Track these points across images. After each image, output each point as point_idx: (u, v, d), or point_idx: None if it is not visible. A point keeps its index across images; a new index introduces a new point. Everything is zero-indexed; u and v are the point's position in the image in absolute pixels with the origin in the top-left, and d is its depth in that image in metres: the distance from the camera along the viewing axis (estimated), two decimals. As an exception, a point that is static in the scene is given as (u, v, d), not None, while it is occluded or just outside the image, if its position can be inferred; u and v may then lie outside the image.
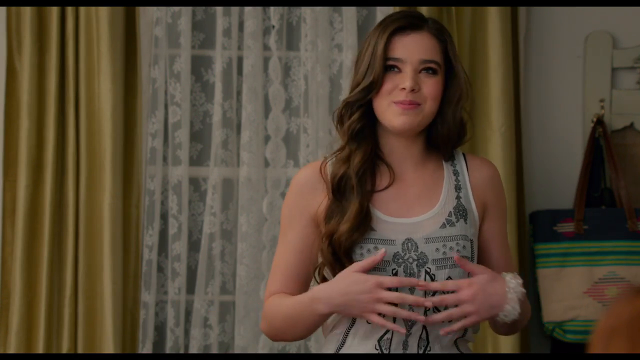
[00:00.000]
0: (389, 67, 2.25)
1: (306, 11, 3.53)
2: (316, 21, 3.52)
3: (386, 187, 2.29)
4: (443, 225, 2.28)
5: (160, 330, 3.55)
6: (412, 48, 2.25)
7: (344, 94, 3.45)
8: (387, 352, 2.26)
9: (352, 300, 2.17)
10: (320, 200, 2.28)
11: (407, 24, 2.26)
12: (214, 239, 3.50)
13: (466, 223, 2.30)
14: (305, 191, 2.31)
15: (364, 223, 2.24)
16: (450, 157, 2.36)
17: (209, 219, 3.50)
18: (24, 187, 3.45)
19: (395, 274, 2.24)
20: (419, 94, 2.24)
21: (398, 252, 2.25)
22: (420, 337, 2.26)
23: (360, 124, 2.28)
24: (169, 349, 3.49)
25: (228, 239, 3.54)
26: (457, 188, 2.33)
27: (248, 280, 3.49)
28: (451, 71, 2.30)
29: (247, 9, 3.51)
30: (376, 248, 2.24)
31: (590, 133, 3.61)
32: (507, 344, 3.47)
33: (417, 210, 2.29)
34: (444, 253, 2.26)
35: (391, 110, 2.24)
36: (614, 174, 3.58)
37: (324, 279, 2.28)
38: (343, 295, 2.18)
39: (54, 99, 3.47)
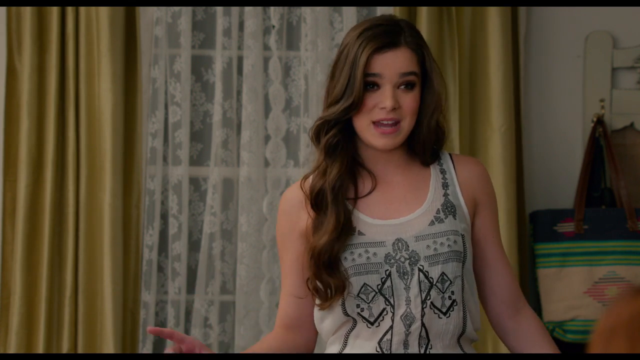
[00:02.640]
0: (367, 84, 2.25)
1: (306, 11, 3.53)
2: (316, 21, 3.52)
3: (369, 193, 2.31)
4: (432, 223, 2.28)
5: (160, 330, 3.55)
6: (390, 63, 2.25)
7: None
8: (388, 353, 2.26)
9: None
10: (307, 216, 2.30)
11: (385, 43, 2.25)
12: (214, 239, 3.50)
13: (455, 219, 2.30)
14: (292, 211, 2.33)
15: (344, 233, 2.25)
16: (435, 158, 2.36)
17: (209, 218, 3.50)
18: (24, 187, 3.46)
19: (389, 275, 2.24)
20: (398, 111, 2.25)
21: (389, 252, 2.25)
22: (420, 336, 2.26)
23: (336, 138, 2.29)
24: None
25: (228, 239, 3.54)
26: (445, 186, 2.33)
27: (248, 280, 3.49)
28: (427, 81, 2.30)
29: (247, 8, 3.52)
30: (367, 252, 2.25)
31: (590, 133, 3.61)
32: (507, 344, 3.47)
33: (404, 210, 2.30)
34: (435, 249, 2.26)
35: (371, 132, 2.25)
36: (614, 174, 3.58)
37: (316, 289, 2.28)
38: None
39: (54, 99, 3.47)
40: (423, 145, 2.32)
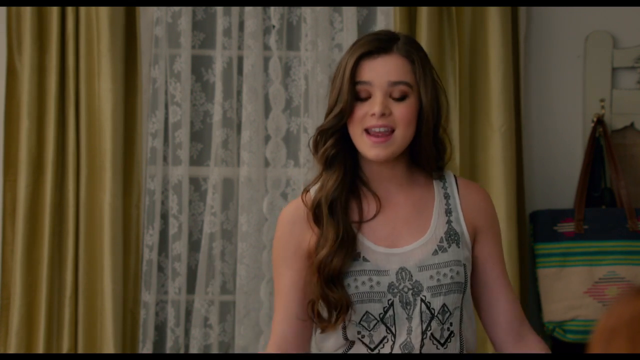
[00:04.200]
0: (359, 94, 2.23)
1: (306, 11, 3.53)
2: (316, 21, 3.52)
3: (375, 215, 2.28)
4: (435, 252, 2.27)
5: (160, 330, 3.56)
6: (380, 70, 2.23)
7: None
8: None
9: None
10: (311, 234, 2.27)
11: (375, 48, 2.24)
12: (214, 239, 3.50)
13: (458, 247, 2.28)
14: (295, 229, 2.29)
15: (343, 248, 2.22)
16: (440, 178, 2.33)
17: (209, 218, 3.50)
18: (24, 187, 3.46)
19: (391, 304, 2.24)
20: (390, 118, 2.22)
21: (393, 282, 2.24)
22: None
23: (334, 149, 2.27)
24: (169, 348, 3.49)
25: (228, 239, 3.54)
26: (448, 212, 2.31)
27: (248, 280, 3.49)
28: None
29: (247, 8, 3.52)
30: (370, 280, 2.23)
31: (590, 133, 3.61)
32: (507, 344, 3.47)
33: (408, 238, 2.28)
34: (438, 280, 2.25)
35: (363, 141, 2.23)
36: (614, 174, 3.58)
37: (319, 315, 2.27)
38: None
39: (54, 99, 3.47)
40: (425, 158, 2.29)
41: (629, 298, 1.40)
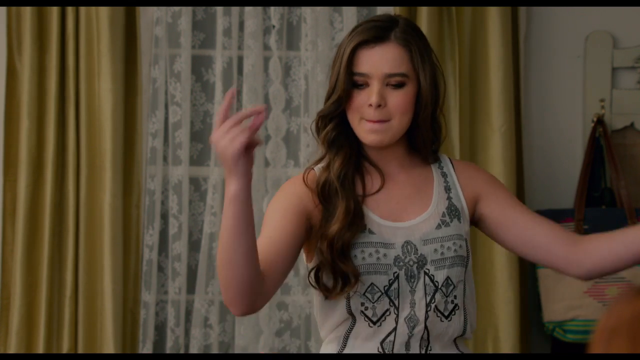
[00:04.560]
0: (356, 82, 2.25)
1: (306, 11, 3.53)
2: (316, 21, 3.52)
3: (379, 189, 2.31)
4: (438, 226, 2.30)
5: (160, 329, 3.56)
6: (377, 62, 2.24)
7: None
8: (390, 353, 2.27)
9: (223, 157, 2.08)
10: (314, 205, 2.28)
11: (372, 37, 2.24)
12: (214, 239, 3.50)
13: (460, 222, 2.32)
14: (300, 191, 2.29)
15: (354, 222, 2.24)
16: (435, 160, 2.37)
17: (209, 218, 3.50)
18: (25, 187, 3.46)
19: (397, 277, 2.25)
20: (386, 110, 2.24)
21: (399, 255, 2.26)
22: (422, 338, 2.28)
23: (335, 132, 2.30)
24: (169, 348, 3.49)
25: (228, 239, 3.54)
26: (447, 189, 2.35)
27: (248, 280, 3.49)
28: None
29: (247, 8, 3.52)
30: (377, 252, 2.25)
31: (590, 133, 3.61)
32: (507, 344, 3.47)
33: (412, 213, 2.31)
34: (442, 253, 2.28)
35: (362, 127, 2.26)
36: (614, 174, 3.58)
37: (320, 283, 2.27)
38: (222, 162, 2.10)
39: (54, 99, 3.47)
40: (422, 143, 2.33)
41: (629, 298, 1.40)
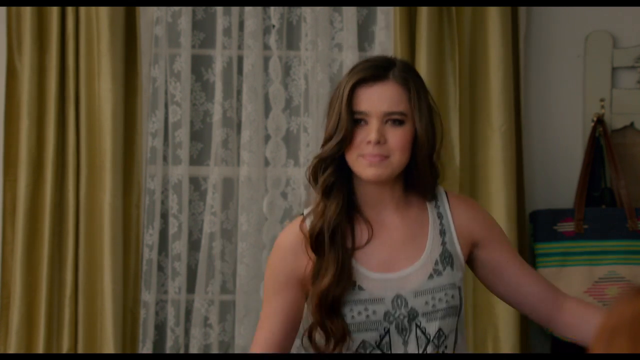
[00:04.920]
0: (357, 120, 2.24)
1: (306, 10, 3.53)
2: (316, 20, 3.52)
3: (369, 240, 2.28)
4: (430, 276, 2.28)
5: (160, 329, 3.56)
6: (376, 100, 2.23)
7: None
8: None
9: None
10: (306, 262, 2.27)
11: (370, 75, 2.24)
12: (214, 239, 3.50)
13: (453, 269, 2.30)
14: (289, 256, 2.29)
15: (343, 277, 2.23)
16: (432, 198, 2.35)
17: (209, 218, 3.50)
18: (24, 187, 3.46)
19: (388, 332, 2.25)
20: (385, 147, 2.23)
21: (388, 310, 2.25)
22: None
23: (333, 177, 2.27)
24: (169, 348, 3.49)
25: (228, 239, 3.54)
26: (442, 232, 2.32)
27: (248, 280, 3.49)
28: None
29: (247, 8, 3.52)
30: (366, 309, 2.24)
31: (590, 132, 3.61)
32: (507, 344, 3.47)
33: (404, 262, 2.29)
34: (433, 305, 2.27)
35: (359, 163, 2.24)
36: (614, 174, 3.58)
37: (314, 343, 2.27)
38: None
39: (54, 99, 3.47)
40: (422, 182, 2.30)
41: (630, 298, 1.40)
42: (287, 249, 2.29)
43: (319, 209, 2.27)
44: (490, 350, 3.51)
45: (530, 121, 3.67)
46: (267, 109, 3.55)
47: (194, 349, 3.49)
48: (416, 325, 2.25)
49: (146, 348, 3.47)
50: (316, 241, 2.25)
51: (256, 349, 2.31)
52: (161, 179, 3.53)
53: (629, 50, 3.67)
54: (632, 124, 3.67)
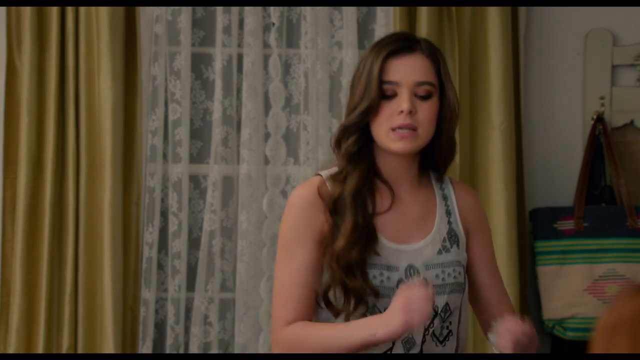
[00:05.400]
0: (385, 92, 2.26)
1: (306, 9, 3.53)
2: (316, 18, 3.51)
3: (388, 209, 2.30)
4: (440, 252, 2.31)
5: (160, 327, 3.55)
6: (407, 70, 2.26)
7: (344, 91, 3.45)
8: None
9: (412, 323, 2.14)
10: (324, 219, 2.27)
11: (401, 46, 2.27)
12: (214, 237, 3.50)
13: (459, 248, 2.34)
14: (309, 210, 2.28)
15: (360, 240, 2.24)
16: (439, 180, 2.39)
17: (209, 216, 3.50)
18: (24, 185, 3.45)
19: None
20: (415, 118, 2.25)
21: (402, 278, 2.27)
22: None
23: (356, 146, 2.29)
24: (169, 346, 3.49)
25: (228, 237, 3.54)
26: (448, 213, 2.36)
27: (248, 278, 3.49)
28: (444, 92, 2.31)
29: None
30: (382, 274, 2.25)
31: (590, 130, 3.61)
32: (507, 342, 3.47)
33: (416, 236, 2.31)
34: (443, 279, 2.29)
35: (389, 138, 2.26)
36: (614, 172, 3.58)
37: (329, 303, 2.26)
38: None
39: (54, 97, 3.47)
40: (443, 158, 2.34)
41: (630, 295, 1.40)
42: (306, 203, 2.28)
43: (341, 175, 2.29)
44: (489, 350, 3.50)
45: (530, 119, 3.66)
46: (267, 107, 3.55)
47: (193, 347, 3.49)
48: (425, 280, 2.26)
49: (146, 346, 3.47)
50: (335, 206, 2.26)
51: (287, 306, 2.27)
52: (161, 177, 3.52)
53: (629, 48, 3.67)
54: (632, 122, 3.67)
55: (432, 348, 2.28)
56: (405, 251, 2.29)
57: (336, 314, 2.26)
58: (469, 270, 2.39)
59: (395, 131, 2.25)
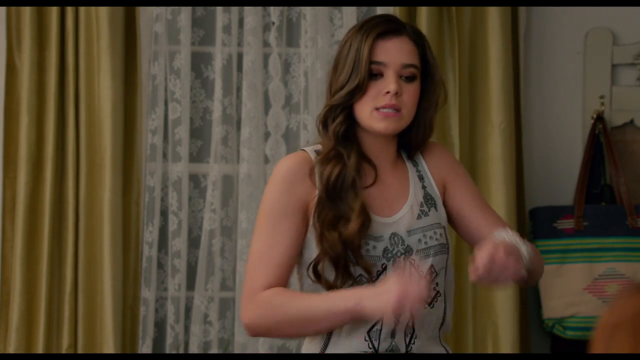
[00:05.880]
0: (372, 73, 2.30)
1: (306, 8, 3.53)
2: (316, 17, 3.52)
3: (372, 184, 2.34)
4: (419, 216, 2.35)
5: (160, 326, 3.56)
6: (394, 52, 2.31)
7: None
8: (376, 343, 2.29)
9: (407, 307, 2.14)
10: (310, 191, 2.30)
11: (389, 28, 2.33)
12: (214, 236, 3.50)
13: (437, 210, 2.38)
14: (296, 180, 2.31)
15: (367, 219, 2.28)
16: (410, 157, 2.44)
17: (209, 215, 3.50)
18: (24, 184, 3.45)
19: (385, 269, 2.29)
20: (400, 99, 2.30)
21: (387, 247, 2.30)
22: (407, 326, 2.31)
23: (344, 125, 2.33)
24: (169, 345, 3.49)
25: (228, 236, 3.54)
26: (420, 178, 2.41)
27: (248, 277, 3.49)
28: (427, 76, 2.36)
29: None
30: (367, 243, 2.28)
31: (590, 129, 3.61)
32: (507, 341, 3.47)
33: (396, 207, 2.35)
34: (425, 243, 2.33)
35: (373, 117, 2.30)
36: (614, 171, 3.58)
37: (318, 276, 2.28)
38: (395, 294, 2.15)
39: (53, 96, 3.47)
40: (419, 141, 2.40)
41: (631, 294, 1.40)
42: (292, 173, 2.31)
43: (331, 154, 2.31)
44: (489, 349, 3.51)
45: (530, 118, 3.67)
46: (267, 106, 3.56)
47: (193, 346, 3.49)
48: (410, 263, 2.29)
49: (146, 345, 3.47)
50: (333, 186, 2.28)
51: (262, 271, 2.28)
52: (161, 176, 3.52)
53: (629, 47, 3.67)
54: (632, 121, 3.67)
55: (421, 311, 2.29)
56: (388, 223, 2.31)
57: (328, 287, 2.27)
58: (460, 217, 2.42)
59: (379, 110, 2.29)
